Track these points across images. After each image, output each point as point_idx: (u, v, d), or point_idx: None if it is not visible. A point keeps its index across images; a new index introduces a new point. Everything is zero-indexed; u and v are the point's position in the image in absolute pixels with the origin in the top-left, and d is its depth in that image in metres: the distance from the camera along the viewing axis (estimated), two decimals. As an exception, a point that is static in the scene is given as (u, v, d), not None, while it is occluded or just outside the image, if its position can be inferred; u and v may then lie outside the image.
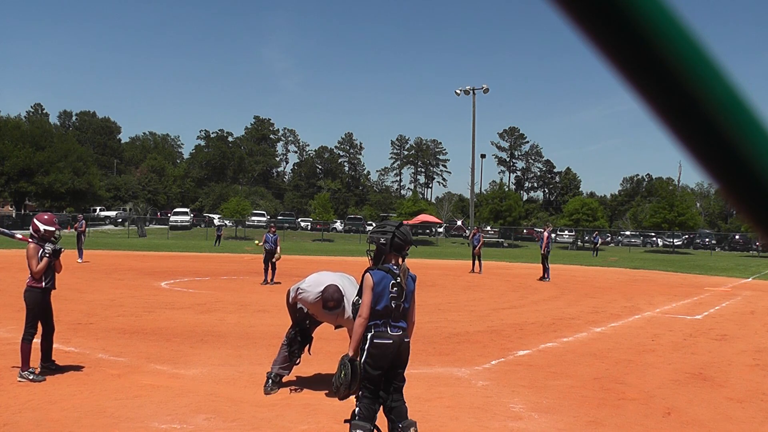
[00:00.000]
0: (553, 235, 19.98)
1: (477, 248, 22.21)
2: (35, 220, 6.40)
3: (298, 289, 5.87)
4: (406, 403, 4.36)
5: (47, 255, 6.24)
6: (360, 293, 4.30)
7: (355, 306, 4.38)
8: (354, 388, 4.18)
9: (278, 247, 15.93)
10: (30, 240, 6.37)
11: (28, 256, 6.24)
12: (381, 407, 4.26)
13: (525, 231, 58.25)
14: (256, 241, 16.08)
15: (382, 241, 4.30)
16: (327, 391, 5.83)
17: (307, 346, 6.19)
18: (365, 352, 4.19)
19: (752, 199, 0.45)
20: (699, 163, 0.45)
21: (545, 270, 19.19)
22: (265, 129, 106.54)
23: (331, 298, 5.55)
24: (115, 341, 8.07)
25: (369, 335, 4.18)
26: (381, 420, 4.21)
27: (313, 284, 5.76)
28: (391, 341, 4.18)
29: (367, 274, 4.24)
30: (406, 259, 4.40)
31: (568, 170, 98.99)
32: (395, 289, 4.19)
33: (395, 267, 4.27)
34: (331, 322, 5.95)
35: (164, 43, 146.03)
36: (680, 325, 10.95)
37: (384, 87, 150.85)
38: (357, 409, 4.18)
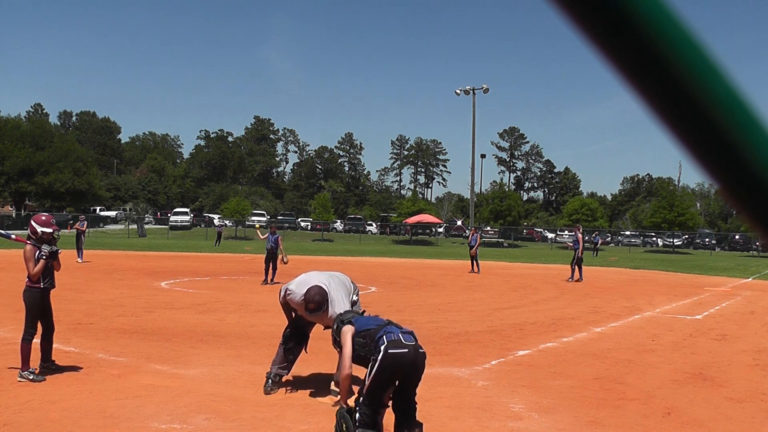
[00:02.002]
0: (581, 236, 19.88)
1: (473, 249, 22.22)
2: (32, 222, 6.33)
3: (286, 289, 5.83)
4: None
5: (44, 257, 6.22)
6: (341, 344, 4.41)
7: (340, 320, 4.53)
8: None
9: (281, 246, 15.92)
10: (27, 241, 6.34)
11: (25, 258, 6.22)
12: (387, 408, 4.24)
13: (525, 231, 58.22)
14: (257, 225, 16.22)
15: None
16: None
17: (304, 344, 6.16)
18: (377, 363, 4.10)
19: (752, 199, 0.45)
20: (699, 164, 0.45)
21: (579, 270, 19.26)
22: (265, 129, 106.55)
23: (311, 300, 5.42)
24: (115, 341, 8.07)
25: (382, 346, 4.12)
26: (386, 418, 4.20)
27: (300, 285, 5.70)
28: (406, 350, 4.12)
29: (346, 326, 4.40)
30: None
31: (567, 170, 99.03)
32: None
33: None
34: (319, 323, 5.87)
35: (164, 43, 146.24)
36: (680, 325, 10.94)
37: (384, 87, 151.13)
38: (357, 415, 4.11)
